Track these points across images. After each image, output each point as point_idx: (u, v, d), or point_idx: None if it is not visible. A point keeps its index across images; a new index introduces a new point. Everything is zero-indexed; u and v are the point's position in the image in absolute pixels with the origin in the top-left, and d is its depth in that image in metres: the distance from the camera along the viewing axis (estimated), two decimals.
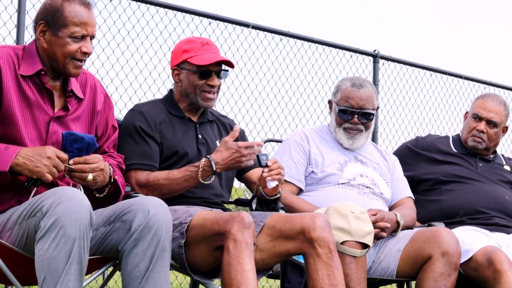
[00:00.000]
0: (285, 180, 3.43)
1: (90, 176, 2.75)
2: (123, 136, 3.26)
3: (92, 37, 2.88)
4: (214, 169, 3.18)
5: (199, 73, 3.33)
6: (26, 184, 2.71)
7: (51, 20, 2.84)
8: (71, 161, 2.73)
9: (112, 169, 2.90)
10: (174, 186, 3.21)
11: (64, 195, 2.54)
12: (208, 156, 3.21)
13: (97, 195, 2.90)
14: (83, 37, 2.85)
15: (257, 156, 3.20)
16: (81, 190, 2.77)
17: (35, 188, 2.74)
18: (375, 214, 3.41)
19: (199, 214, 3.02)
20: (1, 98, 2.78)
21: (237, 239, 2.85)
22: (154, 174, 3.22)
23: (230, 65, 3.38)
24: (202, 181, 3.20)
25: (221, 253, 2.91)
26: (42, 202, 2.56)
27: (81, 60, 2.87)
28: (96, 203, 2.89)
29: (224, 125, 3.54)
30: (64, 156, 2.71)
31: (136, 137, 3.26)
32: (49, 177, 2.67)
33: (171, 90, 3.48)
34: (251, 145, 3.21)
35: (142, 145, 3.26)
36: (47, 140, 2.85)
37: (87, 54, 2.87)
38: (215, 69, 3.35)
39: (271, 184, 3.16)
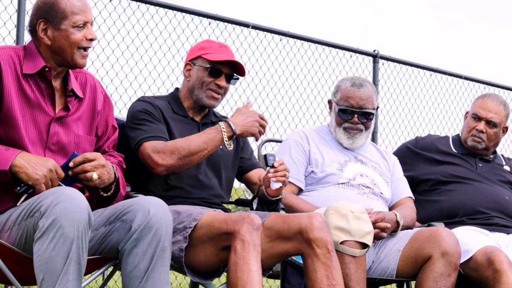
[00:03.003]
0: None
1: (95, 175, 2.74)
2: (132, 123, 3.27)
3: (91, 23, 2.88)
4: (234, 128, 3.19)
5: (209, 70, 3.35)
6: (18, 188, 2.67)
7: (49, 16, 2.83)
8: (71, 163, 2.72)
9: (115, 167, 2.90)
10: (193, 148, 3.15)
11: (62, 195, 2.53)
12: (225, 119, 3.22)
13: (104, 194, 2.90)
14: (84, 24, 2.85)
15: (265, 156, 3.19)
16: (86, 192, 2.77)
17: (25, 195, 2.70)
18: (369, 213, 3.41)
19: (207, 214, 3.01)
20: (2, 99, 2.78)
21: (245, 240, 2.85)
22: (171, 140, 3.21)
23: (241, 73, 3.41)
24: (225, 143, 3.18)
25: (226, 254, 2.91)
26: (41, 202, 2.56)
27: (86, 49, 2.87)
28: (98, 204, 2.89)
29: None
30: (62, 173, 2.71)
31: (147, 118, 3.26)
32: (44, 188, 2.66)
33: (177, 89, 3.49)
34: (263, 117, 3.27)
35: (154, 124, 3.26)
36: (48, 141, 2.85)
37: (92, 40, 2.88)
38: (226, 71, 3.37)
39: (275, 186, 3.15)
